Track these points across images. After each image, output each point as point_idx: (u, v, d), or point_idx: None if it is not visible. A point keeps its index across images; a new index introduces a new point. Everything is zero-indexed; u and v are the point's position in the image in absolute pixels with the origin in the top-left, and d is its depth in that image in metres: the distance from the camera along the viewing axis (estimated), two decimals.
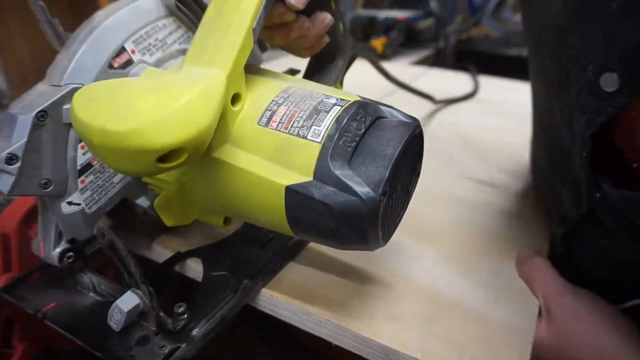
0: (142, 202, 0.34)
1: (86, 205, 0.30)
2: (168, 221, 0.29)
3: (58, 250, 0.29)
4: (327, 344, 0.30)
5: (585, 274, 0.36)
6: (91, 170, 0.30)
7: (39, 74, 0.28)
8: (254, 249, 0.35)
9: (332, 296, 0.31)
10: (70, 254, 0.30)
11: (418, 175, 0.30)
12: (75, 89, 0.27)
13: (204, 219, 0.31)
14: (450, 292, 0.33)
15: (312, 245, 0.36)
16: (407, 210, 0.29)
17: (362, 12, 1.28)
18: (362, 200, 0.23)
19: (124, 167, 0.22)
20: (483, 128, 0.65)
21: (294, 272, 0.34)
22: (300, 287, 0.32)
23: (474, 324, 0.30)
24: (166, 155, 0.21)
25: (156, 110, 0.20)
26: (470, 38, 2.05)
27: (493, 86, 0.87)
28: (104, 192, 0.31)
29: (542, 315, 0.35)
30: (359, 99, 0.26)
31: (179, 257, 0.34)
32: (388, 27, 1.22)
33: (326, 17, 0.32)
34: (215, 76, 0.23)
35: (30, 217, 0.36)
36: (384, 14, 1.18)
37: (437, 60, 1.77)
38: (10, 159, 0.25)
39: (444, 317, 0.30)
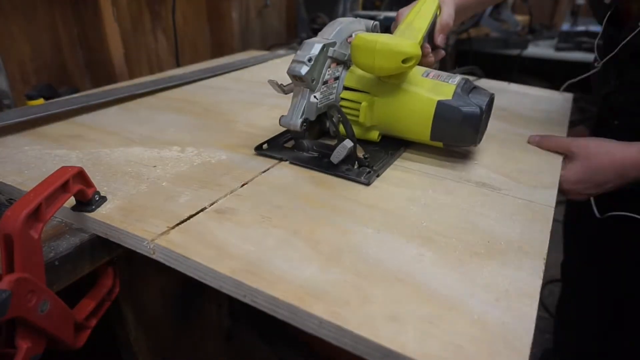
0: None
1: (318, 101, 0.54)
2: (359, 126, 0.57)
3: (300, 121, 0.52)
4: (327, 343, 0.30)
5: None
6: (326, 84, 0.55)
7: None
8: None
9: (332, 297, 0.32)
10: (305, 125, 0.53)
11: (488, 119, 0.55)
12: (333, 42, 0.53)
13: (365, 136, 0.58)
14: (449, 293, 0.33)
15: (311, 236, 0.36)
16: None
17: (362, 12, 1.28)
18: (479, 108, 0.50)
19: (387, 65, 0.48)
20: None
21: (294, 272, 0.34)
22: (300, 287, 0.33)
23: (473, 325, 0.30)
24: (406, 59, 0.47)
25: (404, 41, 0.48)
26: (470, 38, 2.05)
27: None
28: (324, 100, 0.55)
29: (566, 160, 0.55)
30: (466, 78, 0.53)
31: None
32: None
33: (442, 53, 0.65)
34: (414, 42, 0.49)
35: (32, 218, 0.36)
36: (383, 14, 1.18)
37: None
38: (309, 59, 0.50)
39: (443, 319, 0.30)
